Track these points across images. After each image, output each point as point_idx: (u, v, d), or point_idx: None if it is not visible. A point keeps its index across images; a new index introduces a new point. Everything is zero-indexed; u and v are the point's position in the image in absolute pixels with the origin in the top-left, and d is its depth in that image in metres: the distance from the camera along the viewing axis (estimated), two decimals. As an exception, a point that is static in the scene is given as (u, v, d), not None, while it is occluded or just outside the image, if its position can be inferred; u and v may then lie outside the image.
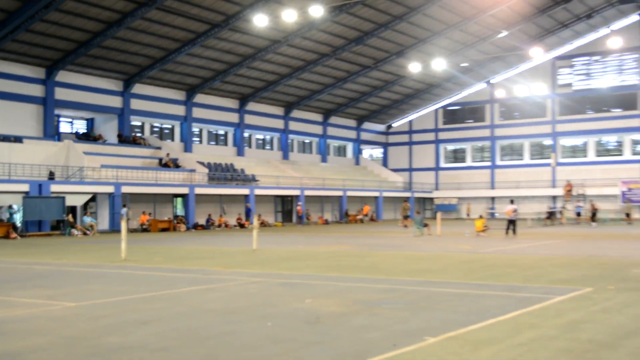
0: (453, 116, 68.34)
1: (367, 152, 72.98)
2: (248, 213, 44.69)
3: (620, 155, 59.94)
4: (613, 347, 7.18)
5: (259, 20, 36.86)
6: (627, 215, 47.10)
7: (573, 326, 8.38)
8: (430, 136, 69.26)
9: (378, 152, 73.43)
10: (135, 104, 45.19)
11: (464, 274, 14.60)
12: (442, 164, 69.02)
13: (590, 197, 49.72)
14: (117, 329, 8.54)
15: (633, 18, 57.77)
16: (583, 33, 58.84)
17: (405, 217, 42.34)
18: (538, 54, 54.00)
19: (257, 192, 46.86)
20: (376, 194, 58.81)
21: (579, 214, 45.99)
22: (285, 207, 53.80)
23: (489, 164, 66.03)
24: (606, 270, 15.04)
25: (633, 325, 8.40)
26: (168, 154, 44.40)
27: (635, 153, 58.99)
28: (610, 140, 60.98)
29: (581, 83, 61.40)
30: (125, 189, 38.06)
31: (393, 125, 71.13)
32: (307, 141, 62.52)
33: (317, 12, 36.71)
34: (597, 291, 11.53)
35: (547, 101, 62.67)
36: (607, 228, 38.36)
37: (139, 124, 47.56)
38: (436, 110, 68.71)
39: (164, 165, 43.24)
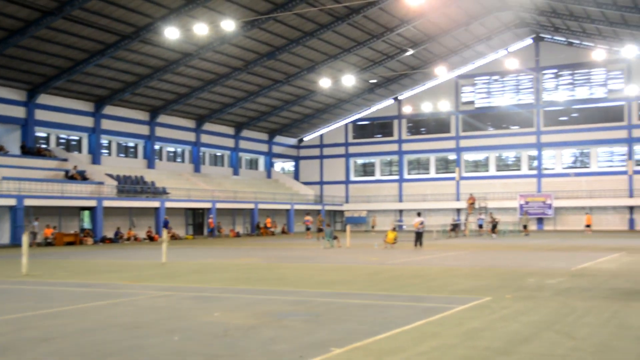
0: (363, 131, 69.70)
1: (279, 165, 73.23)
2: (166, 225, 43.92)
3: (518, 170, 62.84)
4: (508, 354, 7.61)
5: (170, 33, 36.46)
6: (525, 227, 49.43)
7: (472, 334, 8.80)
8: (341, 150, 70.32)
9: (290, 165, 73.83)
10: (41, 114, 43.58)
11: (372, 285, 14.99)
12: (352, 178, 70.17)
13: (491, 209, 51.79)
14: (12, 348, 8.25)
15: (528, 41, 61.07)
16: (484, 53, 61.61)
17: (320, 230, 42.89)
18: (442, 73, 56.04)
19: (168, 204, 46.15)
20: (287, 206, 59.07)
21: (481, 226, 47.85)
22: (197, 220, 53.18)
23: (397, 177, 67.68)
24: (504, 280, 15.79)
25: (527, 332, 8.91)
26: (75, 166, 43.05)
27: (531, 168, 61.98)
28: (510, 155, 63.86)
29: (482, 101, 64.07)
30: (28, 202, 36.57)
31: (304, 139, 71.77)
32: (219, 154, 62.10)
33: (229, 26, 36.72)
34: (496, 300, 12.12)
35: (451, 118, 64.99)
36: (506, 239, 40.07)
37: (44, 135, 45.89)
38: (346, 125, 69.89)
39: (71, 177, 41.89)
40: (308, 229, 47.92)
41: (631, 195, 57.30)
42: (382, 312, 10.82)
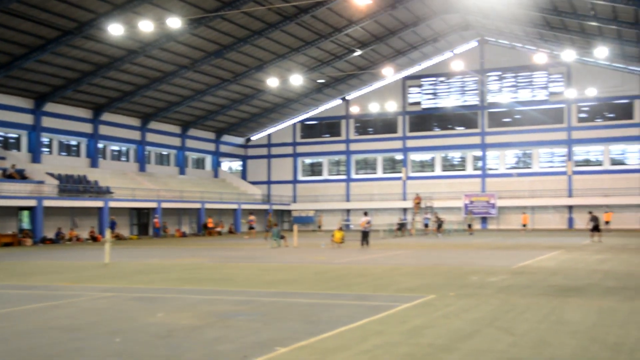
0: (310, 130, 69.80)
1: (226, 164, 72.69)
2: (113, 227, 43.02)
3: (463, 170, 63.94)
4: (450, 350, 7.73)
5: (115, 30, 35.69)
6: (469, 226, 50.36)
7: (416, 332, 8.91)
8: (289, 149, 70.28)
9: (237, 164, 73.37)
10: (-24, 111, 42.26)
11: (318, 284, 15.03)
12: (300, 177, 70.21)
13: (436, 209, 52.58)
14: (-49, 352, 8.01)
15: (473, 44, 62.26)
16: (430, 55, 62.50)
17: (269, 230, 42.79)
18: (390, 73, 56.62)
19: (112, 204, 45.25)
20: (235, 206, 58.70)
21: (426, 225, 48.51)
22: (142, 220, 52.32)
23: (344, 177, 68.03)
24: (449, 278, 16.04)
25: (470, 329, 9.06)
26: (14, 165, 41.79)
27: (476, 168, 63.16)
28: (455, 156, 64.91)
29: (429, 102, 64.95)
30: (-40, 202, 35.42)
31: (252, 138, 71.43)
32: (164, 153, 61.22)
33: (175, 24, 36.21)
34: (440, 298, 12.30)
35: (398, 118, 65.69)
36: (451, 238, 40.74)
37: (-21, 132, 44.50)
38: (294, 125, 69.88)
39: (9, 176, 40.65)
40: (252, 228, 47.71)
41: (570, 195, 58.96)
42: (327, 311, 10.85)
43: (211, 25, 42.61)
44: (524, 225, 51.37)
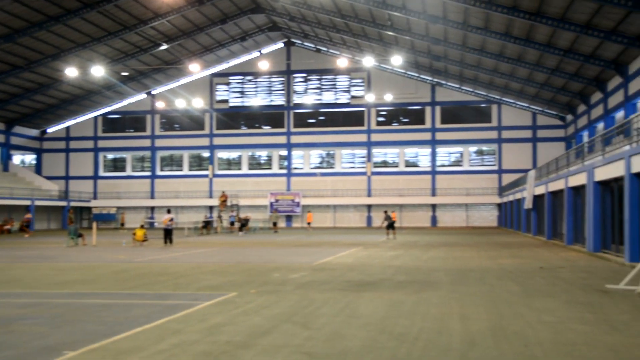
0: (113, 125, 66.96)
1: (18, 157, 67.39)
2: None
3: (269, 168, 65.04)
4: (248, 347, 7.77)
5: None
6: (274, 224, 51.32)
7: (214, 329, 8.85)
8: (90, 144, 66.86)
9: (31, 158, 68.33)
10: None
11: (116, 284, 14.41)
12: (102, 173, 67.09)
13: (243, 207, 52.96)
14: None
15: (280, 45, 63.58)
16: (238, 54, 62.79)
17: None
18: (196, 70, 55.97)
19: None
20: (27, 202, 54.60)
21: (232, 223, 48.64)
22: None
23: (149, 173, 66.13)
24: (251, 275, 16.17)
25: (268, 325, 9.18)
26: None
27: (282, 167, 64.54)
28: (262, 154, 65.80)
29: (236, 100, 65.22)
30: None
31: (48, 130, 66.90)
32: (-56, 144, 55.37)
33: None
34: (241, 295, 12.35)
35: (205, 115, 65.20)
36: (256, 236, 41.22)
37: None
38: (96, 118, 66.62)
39: None
40: (27, 226, 44.92)
41: (369, 195, 62.31)
42: (124, 312, 10.43)
43: (0, 7, 39.28)
44: (309, 224, 53.61)
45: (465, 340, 8.04)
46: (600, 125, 43.01)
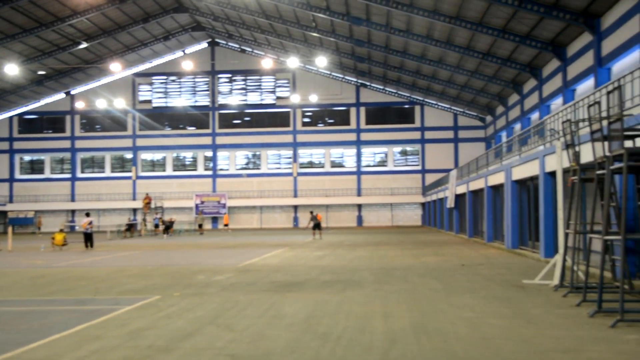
0: (30, 125, 64.63)
1: None
2: None
3: (195, 170, 64.24)
4: (170, 350, 7.65)
5: None
6: (200, 226, 50.73)
7: (136, 334, 8.67)
8: (4, 145, 64.31)
9: (-60, 161, 65.19)
10: None
11: (32, 291, 13.91)
12: (18, 175, 64.63)
13: (168, 209, 52.11)
14: None
15: (204, 45, 62.93)
16: (161, 53, 61.75)
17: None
18: (118, 69, 54.69)
19: None
20: (-63, 208, 52.09)
21: (156, 226, 47.78)
22: None
23: (69, 176, 64.17)
24: (175, 278, 15.92)
25: (191, 328, 9.06)
26: None
27: (207, 168, 63.87)
28: (187, 155, 64.91)
29: (160, 100, 64.13)
30: None
31: (-40, 132, 64.05)
32: None
33: None
34: (164, 299, 12.14)
35: (128, 116, 63.80)
36: (181, 239, 40.62)
37: None
38: (11, 118, 64.13)
39: None
40: None
41: (295, 196, 62.44)
42: (40, 319, 10.07)
43: None
44: (226, 225, 53.40)
45: (387, 338, 8.17)
46: (518, 126, 44.55)
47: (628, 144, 9.81)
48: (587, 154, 13.48)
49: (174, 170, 64.35)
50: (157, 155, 64.70)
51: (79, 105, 61.62)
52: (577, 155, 11.96)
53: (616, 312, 9.15)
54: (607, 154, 9.66)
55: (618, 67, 26.64)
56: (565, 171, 13.46)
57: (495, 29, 33.33)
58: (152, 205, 49.25)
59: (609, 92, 9.49)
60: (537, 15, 29.33)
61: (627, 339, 8.06)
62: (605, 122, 9.82)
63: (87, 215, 30.71)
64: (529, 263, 18.95)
